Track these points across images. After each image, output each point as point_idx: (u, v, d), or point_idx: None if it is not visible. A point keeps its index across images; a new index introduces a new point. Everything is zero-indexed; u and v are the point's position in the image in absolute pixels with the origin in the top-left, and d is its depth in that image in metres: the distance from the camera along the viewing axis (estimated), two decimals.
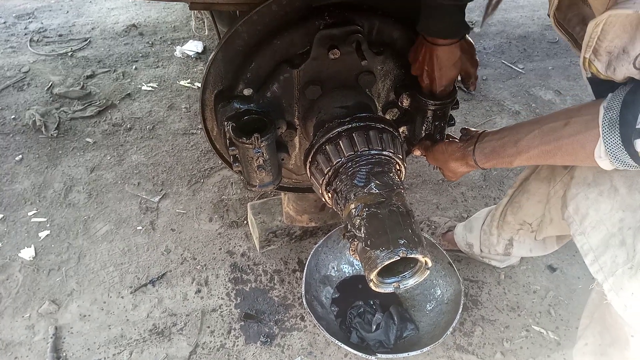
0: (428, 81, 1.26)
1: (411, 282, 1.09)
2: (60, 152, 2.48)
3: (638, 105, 0.84)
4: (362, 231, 1.05)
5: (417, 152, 1.43)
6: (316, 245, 1.79)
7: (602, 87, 0.95)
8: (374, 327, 1.71)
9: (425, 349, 1.53)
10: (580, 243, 1.12)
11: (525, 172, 1.58)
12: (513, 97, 2.95)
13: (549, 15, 1.12)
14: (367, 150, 1.16)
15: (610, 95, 0.90)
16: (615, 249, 1.03)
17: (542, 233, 1.54)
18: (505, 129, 1.18)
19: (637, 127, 0.84)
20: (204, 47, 3.27)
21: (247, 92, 1.25)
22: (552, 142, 1.02)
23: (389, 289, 1.09)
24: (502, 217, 1.66)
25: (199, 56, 3.21)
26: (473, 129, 1.30)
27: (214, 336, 1.75)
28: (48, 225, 2.12)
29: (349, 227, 1.09)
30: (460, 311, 1.60)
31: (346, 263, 1.89)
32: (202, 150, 2.50)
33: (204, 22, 3.34)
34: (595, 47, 0.89)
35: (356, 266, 1.89)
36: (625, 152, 0.88)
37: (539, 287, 1.92)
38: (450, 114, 1.40)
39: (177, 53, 3.23)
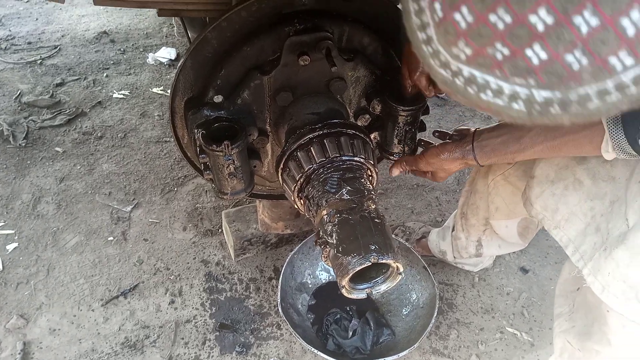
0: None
1: (383, 287, 1.09)
2: (28, 162, 2.42)
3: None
4: (333, 237, 1.04)
5: (397, 172, 1.41)
6: (292, 253, 1.78)
7: None
8: (350, 333, 1.71)
9: (401, 354, 1.53)
10: (558, 236, 1.16)
11: (471, 173, 1.62)
12: None
13: None
14: (338, 157, 1.16)
15: None
16: (593, 236, 1.08)
17: (494, 220, 1.59)
18: (502, 125, 1.21)
19: None
20: (177, 54, 3.24)
21: (217, 99, 1.24)
22: (557, 138, 1.05)
23: (361, 295, 1.09)
24: (464, 220, 1.70)
25: (172, 63, 3.17)
26: (464, 127, 1.32)
27: (188, 348, 1.72)
28: (16, 237, 2.06)
29: (321, 233, 1.09)
30: (435, 315, 1.60)
31: (322, 269, 1.89)
32: (175, 159, 2.47)
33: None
34: None
35: (332, 272, 1.88)
36: (630, 147, 0.91)
37: (512, 289, 1.95)
38: (422, 120, 1.41)
39: (150, 60, 3.19)
